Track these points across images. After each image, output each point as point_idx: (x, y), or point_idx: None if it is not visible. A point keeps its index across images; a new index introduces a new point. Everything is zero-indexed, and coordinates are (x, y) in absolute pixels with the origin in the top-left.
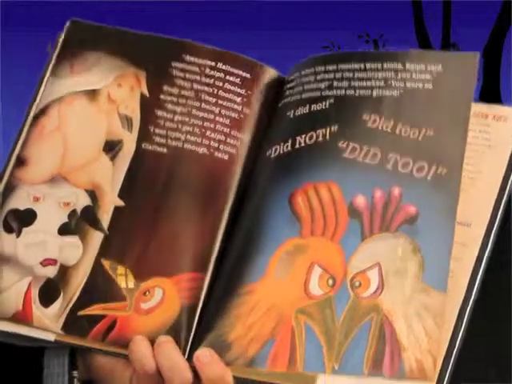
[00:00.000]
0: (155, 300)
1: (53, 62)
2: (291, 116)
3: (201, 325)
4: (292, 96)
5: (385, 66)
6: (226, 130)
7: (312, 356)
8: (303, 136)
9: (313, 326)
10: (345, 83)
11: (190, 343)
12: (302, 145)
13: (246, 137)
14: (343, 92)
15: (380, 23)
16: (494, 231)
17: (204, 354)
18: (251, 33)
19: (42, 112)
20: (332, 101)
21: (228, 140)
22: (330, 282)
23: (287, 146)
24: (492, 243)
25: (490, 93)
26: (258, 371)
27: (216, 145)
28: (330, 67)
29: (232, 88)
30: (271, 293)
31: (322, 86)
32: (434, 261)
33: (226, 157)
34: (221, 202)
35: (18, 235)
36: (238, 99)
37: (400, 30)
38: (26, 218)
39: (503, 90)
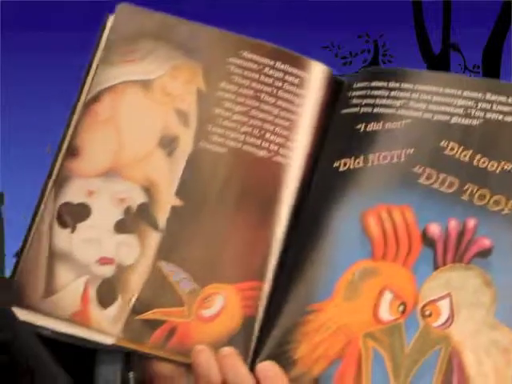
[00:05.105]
0: (216, 307)
1: (102, 47)
2: (361, 130)
3: (261, 337)
4: (361, 107)
5: (464, 94)
6: (286, 132)
7: (378, 381)
8: (376, 154)
9: (381, 351)
10: (422, 105)
11: (251, 355)
12: (375, 163)
13: (304, 141)
14: (420, 114)
15: (380, 23)
16: None
17: (268, 368)
18: (249, 32)
19: (94, 99)
20: (408, 121)
21: (287, 143)
22: (401, 308)
23: (358, 162)
24: None
25: None
26: None
27: (276, 148)
28: (406, 85)
29: (291, 89)
30: (339, 313)
31: (397, 103)
32: (506, 297)
33: (284, 161)
34: (279, 209)
35: (73, 230)
36: (297, 100)
37: (400, 30)
38: (80, 212)
39: None
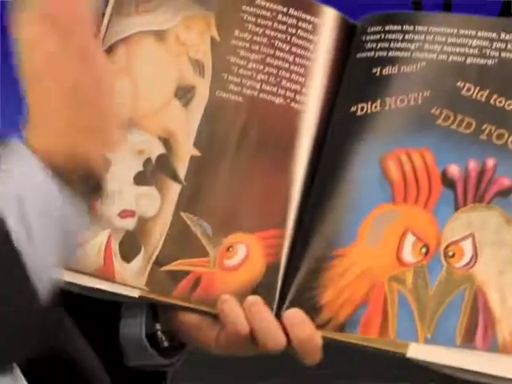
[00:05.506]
0: (239, 257)
1: None
2: (377, 74)
3: (286, 284)
4: (376, 51)
5: (479, 34)
6: (301, 79)
7: (404, 324)
8: (393, 97)
9: (406, 293)
10: (437, 47)
11: (276, 303)
12: (393, 107)
13: (320, 86)
14: (435, 56)
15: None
16: None
17: (294, 314)
18: None
19: (108, 51)
20: (424, 64)
21: (303, 90)
22: (423, 250)
23: (375, 106)
24: None
25: None
26: (349, 335)
27: (292, 95)
28: (420, 28)
29: (305, 35)
30: (363, 258)
31: (412, 46)
32: None
33: (301, 107)
34: (298, 156)
35: None
36: (311, 46)
37: None
38: None
39: None
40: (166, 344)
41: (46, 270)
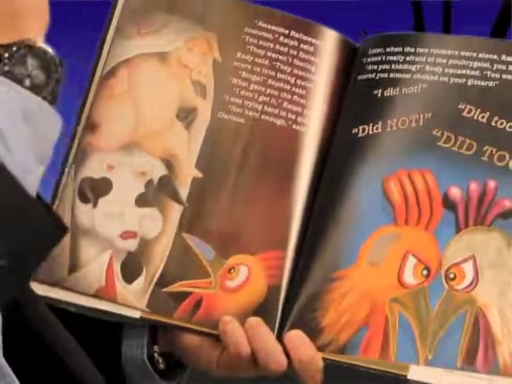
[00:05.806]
0: (241, 278)
1: (116, 20)
2: (379, 95)
3: (287, 306)
4: (377, 73)
5: (480, 55)
6: (303, 101)
7: (405, 346)
8: (394, 120)
9: (407, 315)
10: (438, 69)
11: (278, 324)
12: (394, 128)
13: (321, 108)
14: (436, 78)
15: (379, 23)
16: None
17: (296, 336)
18: None
19: (110, 73)
20: (425, 86)
21: (305, 112)
22: (425, 272)
23: (377, 128)
24: None
25: None
26: (350, 357)
27: (293, 117)
28: (421, 50)
29: (306, 57)
30: (364, 280)
31: (413, 68)
32: None
33: (303, 129)
34: (300, 178)
35: (95, 206)
36: (313, 68)
37: (399, 30)
38: (101, 187)
39: None
40: (162, 366)
41: (26, 171)
